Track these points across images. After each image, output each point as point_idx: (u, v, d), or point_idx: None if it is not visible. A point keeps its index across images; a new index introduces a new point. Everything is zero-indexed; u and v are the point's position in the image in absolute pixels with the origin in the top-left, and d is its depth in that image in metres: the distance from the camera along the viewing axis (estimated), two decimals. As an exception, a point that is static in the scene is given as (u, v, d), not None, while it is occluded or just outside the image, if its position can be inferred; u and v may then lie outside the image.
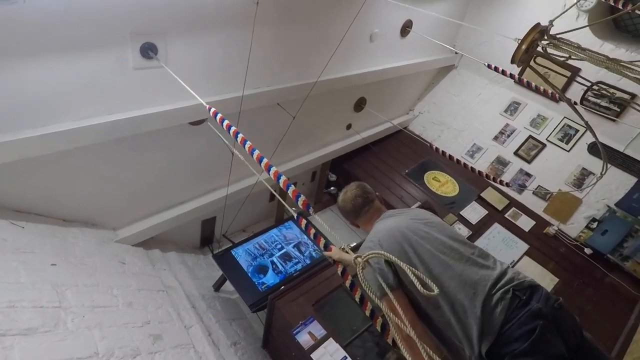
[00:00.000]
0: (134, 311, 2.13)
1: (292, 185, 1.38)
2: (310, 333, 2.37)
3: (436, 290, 1.02)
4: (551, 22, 1.49)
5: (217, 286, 3.14)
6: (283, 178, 1.38)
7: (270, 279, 3.00)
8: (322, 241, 1.48)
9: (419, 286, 1.02)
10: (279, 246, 3.30)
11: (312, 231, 1.47)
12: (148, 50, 2.00)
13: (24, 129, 1.82)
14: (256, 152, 1.44)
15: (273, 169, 1.39)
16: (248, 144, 1.48)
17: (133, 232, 2.72)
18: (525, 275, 1.49)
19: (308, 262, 3.22)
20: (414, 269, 1.07)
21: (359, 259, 1.13)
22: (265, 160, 1.41)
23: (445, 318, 1.43)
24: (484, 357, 1.35)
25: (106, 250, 2.44)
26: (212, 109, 1.62)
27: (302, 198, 1.34)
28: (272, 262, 3.14)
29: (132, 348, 1.90)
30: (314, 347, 2.31)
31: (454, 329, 1.41)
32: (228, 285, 3.10)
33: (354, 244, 2.82)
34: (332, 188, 4.66)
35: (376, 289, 1.32)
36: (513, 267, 3.59)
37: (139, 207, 2.79)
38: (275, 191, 1.73)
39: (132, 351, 1.89)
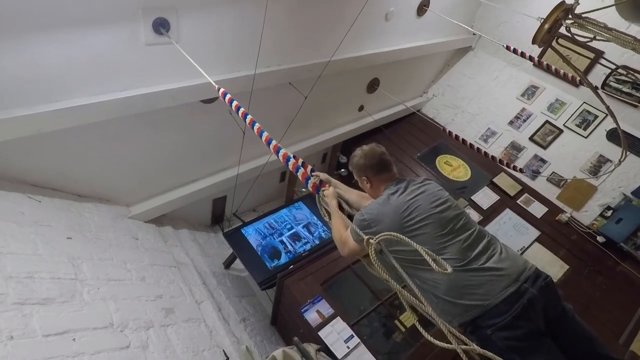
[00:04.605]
0: (147, 285, 2.19)
1: (302, 168, 1.36)
2: (318, 311, 2.41)
3: (450, 269, 1.03)
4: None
5: (227, 264, 3.20)
6: (292, 161, 1.36)
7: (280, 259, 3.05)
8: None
9: (433, 264, 1.03)
10: (289, 226, 3.33)
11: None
12: (160, 27, 1.98)
13: (38, 104, 1.83)
14: (265, 134, 1.42)
15: (282, 151, 1.37)
16: (257, 125, 1.45)
17: (146, 209, 2.76)
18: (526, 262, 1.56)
19: (317, 242, 3.25)
20: (425, 249, 1.07)
21: (372, 241, 1.12)
22: (274, 143, 1.39)
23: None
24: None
25: (120, 226, 2.49)
26: (222, 90, 1.59)
27: (311, 180, 1.32)
28: (282, 242, 3.18)
29: (145, 320, 1.96)
30: (322, 325, 2.35)
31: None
32: (238, 263, 3.16)
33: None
34: (342, 170, 4.64)
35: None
36: (522, 253, 3.58)
37: (151, 185, 2.82)
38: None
39: (146, 323, 1.95)
